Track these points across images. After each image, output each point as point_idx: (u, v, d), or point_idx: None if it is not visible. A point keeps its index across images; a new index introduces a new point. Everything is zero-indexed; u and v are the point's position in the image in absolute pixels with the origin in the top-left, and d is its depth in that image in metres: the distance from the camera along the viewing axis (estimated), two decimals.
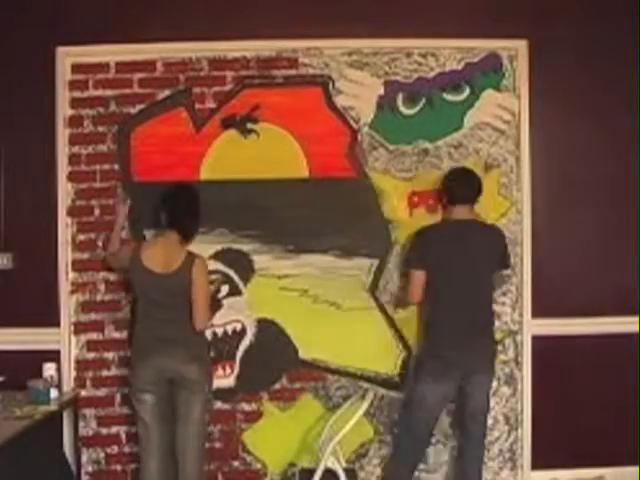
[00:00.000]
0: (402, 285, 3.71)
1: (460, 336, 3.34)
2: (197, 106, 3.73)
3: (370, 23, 3.71)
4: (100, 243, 3.71)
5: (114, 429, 3.73)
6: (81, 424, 3.69)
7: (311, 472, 3.30)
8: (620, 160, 3.83)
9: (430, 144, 3.78)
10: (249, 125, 3.73)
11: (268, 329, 3.74)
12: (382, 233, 3.75)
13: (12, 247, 3.69)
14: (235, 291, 3.73)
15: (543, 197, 3.80)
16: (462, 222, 3.45)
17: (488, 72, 3.80)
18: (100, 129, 3.72)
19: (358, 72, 3.76)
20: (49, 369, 3.48)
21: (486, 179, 3.75)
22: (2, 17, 3.68)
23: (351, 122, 3.76)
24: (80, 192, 3.72)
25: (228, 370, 3.73)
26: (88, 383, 3.72)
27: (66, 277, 3.70)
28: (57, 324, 3.69)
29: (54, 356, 3.62)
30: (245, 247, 3.73)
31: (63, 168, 3.70)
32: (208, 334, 3.59)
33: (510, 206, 3.80)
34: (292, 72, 3.75)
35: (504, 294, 3.79)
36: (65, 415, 3.61)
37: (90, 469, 3.73)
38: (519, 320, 3.80)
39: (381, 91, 3.77)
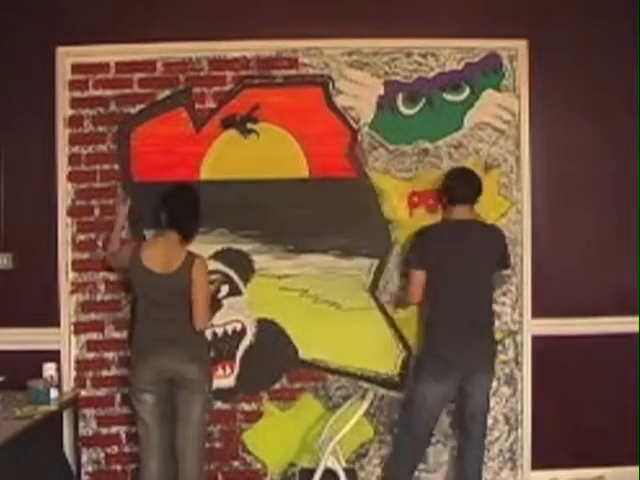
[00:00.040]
0: (402, 285, 3.70)
1: (460, 336, 3.34)
2: (197, 106, 3.73)
3: (370, 23, 3.71)
4: (100, 243, 3.71)
5: (114, 429, 3.73)
6: (81, 424, 3.69)
7: (311, 472, 3.30)
8: (620, 160, 3.83)
9: (430, 144, 3.78)
10: (249, 125, 3.73)
11: (268, 329, 3.74)
12: (382, 233, 3.75)
13: (12, 247, 3.69)
14: (235, 291, 3.73)
15: (543, 197, 3.80)
16: (462, 222, 3.45)
17: (488, 72, 3.80)
18: (100, 129, 3.72)
19: (358, 72, 3.76)
20: (49, 369, 3.48)
21: (486, 179, 3.75)
22: (2, 17, 3.68)
23: (351, 122, 3.76)
24: (80, 192, 3.72)
25: (228, 370, 3.73)
26: (88, 383, 3.72)
27: (66, 277, 3.70)
28: (57, 324, 3.69)
29: (54, 356, 3.62)
30: (245, 247, 3.73)
31: (63, 168, 3.70)
32: (208, 334, 3.59)
33: (510, 206, 3.80)
34: (292, 72, 3.75)
35: (504, 294, 3.80)
36: (65, 415, 3.61)
37: (90, 469, 3.73)
38: (519, 320, 3.80)
39: (381, 91, 3.77)
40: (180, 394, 3.26)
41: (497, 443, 3.82)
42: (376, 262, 3.75)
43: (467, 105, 3.79)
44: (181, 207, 3.33)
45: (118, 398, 3.73)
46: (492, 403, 3.78)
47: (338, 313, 3.76)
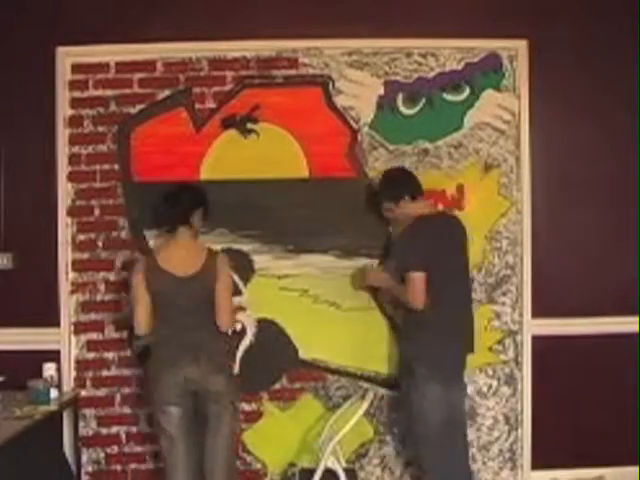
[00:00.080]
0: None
1: (457, 339, 3.29)
2: (197, 106, 3.73)
3: (370, 23, 3.71)
4: (100, 243, 3.71)
5: (114, 429, 3.73)
6: (81, 424, 3.69)
7: (311, 472, 3.30)
8: (620, 160, 3.83)
9: (430, 144, 3.78)
10: (249, 125, 3.73)
11: (268, 329, 3.74)
12: (382, 233, 3.75)
13: (12, 247, 3.69)
14: (235, 291, 3.73)
15: (543, 197, 3.80)
16: (433, 215, 3.36)
17: (488, 72, 3.80)
18: (100, 129, 3.72)
19: (358, 72, 3.76)
20: (49, 369, 3.48)
21: (486, 179, 3.76)
22: (2, 17, 3.68)
23: (351, 122, 3.76)
24: (80, 192, 3.72)
25: None
26: (88, 383, 3.72)
27: (66, 277, 3.70)
28: (57, 324, 3.69)
29: (54, 356, 3.62)
30: (245, 247, 3.73)
31: (63, 168, 3.70)
32: None
33: (510, 206, 3.80)
34: (292, 72, 3.75)
35: (504, 294, 3.80)
36: (65, 415, 3.61)
37: (90, 469, 3.73)
38: (519, 320, 3.80)
39: (381, 91, 3.77)
40: (207, 407, 3.14)
41: (497, 443, 3.82)
42: (376, 262, 3.75)
43: (467, 105, 3.79)
44: (187, 204, 3.26)
45: (118, 398, 3.73)
46: (492, 403, 3.80)
47: (338, 313, 3.76)
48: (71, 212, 3.71)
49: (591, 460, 3.80)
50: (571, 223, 3.82)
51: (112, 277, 3.71)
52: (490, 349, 3.79)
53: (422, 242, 3.22)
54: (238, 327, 3.73)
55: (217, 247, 3.65)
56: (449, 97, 3.79)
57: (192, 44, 3.69)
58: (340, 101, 3.76)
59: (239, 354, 3.74)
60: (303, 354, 3.75)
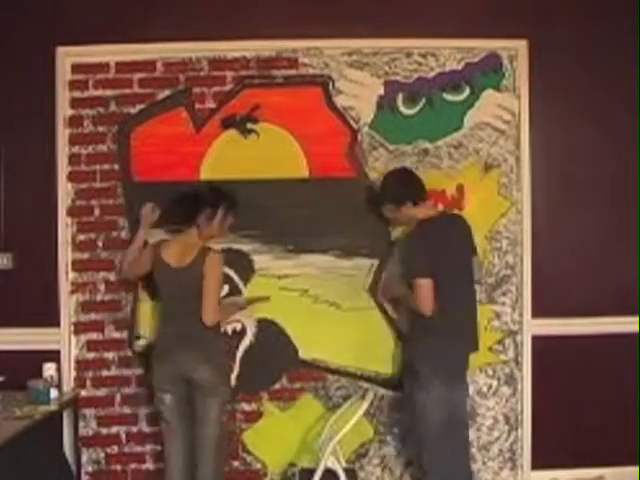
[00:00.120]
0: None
1: (462, 340, 3.29)
2: (197, 106, 3.73)
3: (370, 23, 3.71)
4: (100, 243, 3.71)
5: (114, 429, 3.73)
6: (81, 424, 3.69)
7: (311, 472, 3.30)
8: (620, 160, 3.83)
9: (430, 144, 3.78)
10: (249, 125, 3.73)
11: (268, 329, 3.74)
12: (382, 233, 3.75)
13: (12, 247, 3.69)
14: (235, 291, 3.73)
15: (543, 197, 3.80)
16: (436, 218, 3.34)
17: (488, 72, 3.80)
18: (100, 129, 3.72)
19: (358, 72, 3.76)
20: (49, 369, 3.48)
21: (486, 179, 3.76)
22: (2, 17, 3.68)
23: (351, 122, 3.76)
24: (80, 192, 3.72)
25: None
26: (88, 383, 3.72)
27: (66, 277, 3.70)
28: (57, 324, 3.69)
29: (54, 356, 3.62)
30: (245, 247, 3.73)
31: (63, 168, 3.70)
32: None
33: (510, 206, 3.80)
34: (292, 72, 3.75)
35: (504, 294, 3.80)
36: (65, 415, 3.62)
37: (90, 469, 3.73)
38: (519, 320, 3.80)
39: (381, 91, 3.77)
40: (197, 395, 3.24)
41: (497, 443, 3.82)
42: (376, 262, 3.75)
43: (467, 105, 3.79)
44: (192, 205, 3.33)
45: (118, 398, 3.73)
46: (492, 403, 3.80)
47: (338, 313, 3.76)
48: (71, 212, 3.71)
49: (591, 460, 3.80)
50: (571, 223, 3.82)
51: (112, 277, 3.71)
52: (490, 349, 3.79)
53: (428, 247, 3.20)
54: (238, 327, 3.73)
55: (217, 247, 3.66)
56: (449, 97, 3.79)
57: (192, 44, 3.69)
58: (340, 101, 3.76)
59: (239, 354, 3.74)
60: (303, 354, 3.75)
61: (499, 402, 3.81)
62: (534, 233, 3.78)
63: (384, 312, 3.76)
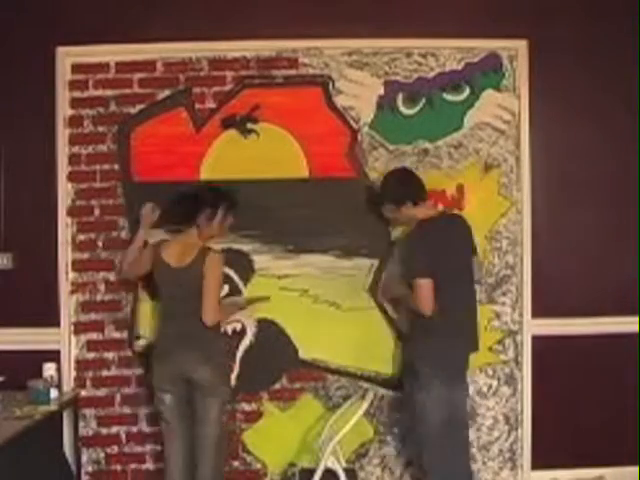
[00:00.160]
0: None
1: (462, 340, 3.28)
2: (197, 106, 3.73)
3: (370, 23, 3.71)
4: (100, 243, 3.71)
5: (114, 429, 3.73)
6: (81, 424, 3.69)
7: (311, 472, 3.30)
8: (620, 160, 3.83)
9: (430, 144, 3.78)
10: (249, 125, 3.73)
11: (268, 329, 3.74)
12: (382, 233, 3.75)
13: (12, 247, 3.69)
14: (235, 291, 3.73)
15: (543, 197, 3.80)
16: (436, 218, 3.34)
17: (488, 72, 3.80)
18: (100, 129, 3.72)
19: (358, 72, 3.76)
20: (49, 369, 3.48)
21: (486, 179, 3.76)
22: (2, 17, 3.68)
23: (351, 122, 3.76)
24: (80, 192, 3.72)
25: None
26: (88, 383, 3.72)
27: (66, 277, 3.70)
28: (57, 324, 3.69)
29: (54, 356, 3.62)
30: (245, 247, 3.73)
31: (63, 168, 3.70)
32: None
33: (510, 206, 3.81)
34: (292, 72, 3.75)
35: (504, 294, 3.80)
36: (65, 415, 3.62)
37: (90, 469, 3.73)
38: (519, 320, 3.80)
39: (381, 91, 3.77)
40: (197, 395, 3.24)
41: (497, 443, 3.82)
42: (376, 262, 3.75)
43: (467, 105, 3.79)
44: (192, 205, 3.33)
45: (118, 398, 3.73)
46: (492, 403, 3.80)
47: (338, 313, 3.76)
48: (71, 212, 3.71)
49: (591, 460, 3.80)
50: (571, 223, 3.82)
51: (112, 277, 3.71)
52: (490, 349, 3.79)
53: (427, 247, 3.20)
54: (238, 327, 3.73)
55: (217, 247, 3.66)
56: (449, 97, 3.79)
57: (192, 44, 3.69)
58: (340, 101, 3.76)
59: (239, 354, 3.74)
60: (303, 354, 3.75)
61: (499, 402, 3.81)
62: (534, 233, 3.78)
63: (384, 312, 3.76)
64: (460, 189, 3.78)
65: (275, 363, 3.76)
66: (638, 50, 3.79)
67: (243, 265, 3.72)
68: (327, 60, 3.75)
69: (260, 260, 3.73)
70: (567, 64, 3.79)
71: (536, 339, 3.78)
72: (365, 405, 3.30)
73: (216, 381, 3.25)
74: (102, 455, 3.74)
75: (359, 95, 3.76)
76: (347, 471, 3.35)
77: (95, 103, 3.72)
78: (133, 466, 3.71)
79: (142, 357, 3.68)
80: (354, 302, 3.75)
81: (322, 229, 3.73)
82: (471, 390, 3.73)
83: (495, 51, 3.79)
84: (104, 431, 3.73)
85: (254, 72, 3.74)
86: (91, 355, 3.73)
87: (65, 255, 3.70)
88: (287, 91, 3.75)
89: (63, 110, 3.69)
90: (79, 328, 3.72)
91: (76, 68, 3.71)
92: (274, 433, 3.75)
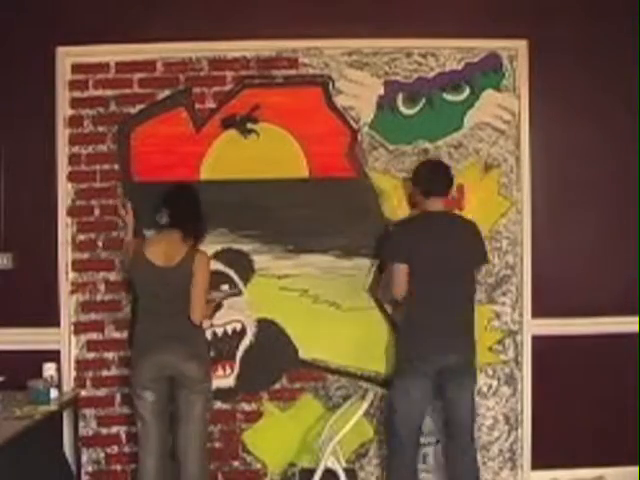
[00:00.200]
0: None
1: (439, 336, 3.28)
2: (197, 106, 3.73)
3: (370, 23, 3.71)
4: (100, 243, 3.71)
5: (114, 429, 3.73)
6: (81, 424, 3.69)
7: (311, 472, 3.30)
8: (620, 160, 3.83)
9: (430, 144, 3.78)
10: (249, 125, 3.73)
11: (268, 329, 3.74)
12: (382, 233, 3.75)
13: (12, 247, 3.69)
14: (235, 291, 3.73)
15: (543, 197, 3.80)
16: (439, 214, 3.40)
17: (488, 72, 3.80)
18: (100, 129, 3.72)
19: (358, 72, 3.76)
20: (49, 369, 3.48)
21: (486, 179, 3.76)
22: (2, 17, 3.68)
23: (351, 122, 3.76)
24: (80, 192, 3.72)
25: (228, 370, 3.73)
26: (88, 383, 3.72)
27: (66, 277, 3.70)
28: (57, 324, 3.69)
29: (54, 356, 3.62)
30: (245, 247, 3.73)
31: (63, 168, 3.70)
32: (208, 334, 3.60)
33: (510, 206, 3.81)
34: (292, 72, 3.75)
35: (504, 294, 3.80)
36: (65, 415, 3.62)
37: (90, 469, 3.73)
38: (519, 320, 3.80)
39: (381, 91, 3.77)
40: (181, 393, 3.27)
41: (497, 443, 3.82)
42: (376, 262, 3.75)
43: (467, 105, 3.79)
44: (182, 208, 3.35)
45: (118, 398, 3.73)
46: (492, 403, 3.80)
47: (338, 313, 3.76)
48: (71, 212, 3.71)
49: (591, 460, 3.80)
50: (571, 223, 3.82)
51: (112, 277, 3.71)
52: (490, 349, 3.79)
53: (407, 236, 3.34)
54: (238, 327, 3.73)
55: (217, 247, 3.68)
56: (449, 97, 3.79)
57: (192, 44, 3.69)
58: (340, 101, 3.76)
59: (239, 354, 3.74)
60: (303, 354, 3.75)
61: (499, 402, 3.81)
62: (534, 233, 3.79)
63: (384, 312, 3.76)
64: (460, 189, 3.78)
65: (275, 363, 3.76)
66: (638, 50, 3.79)
67: (243, 265, 3.72)
68: (327, 60, 3.75)
69: (260, 260, 3.73)
70: (567, 64, 3.79)
71: (536, 339, 3.78)
72: (365, 405, 3.31)
73: (201, 376, 3.27)
74: (102, 455, 3.74)
75: (359, 95, 3.76)
76: (347, 471, 3.35)
77: (95, 103, 3.72)
78: (133, 466, 3.71)
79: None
80: (354, 302, 3.75)
81: (322, 229, 3.73)
82: None
83: (495, 51, 3.79)
84: (104, 431, 3.73)
85: (254, 72, 3.74)
86: (91, 355, 3.73)
87: (65, 255, 3.70)
88: (287, 91, 3.75)
89: (63, 110, 3.69)
90: (79, 328, 3.72)
91: (76, 68, 3.71)
92: (274, 433, 3.75)
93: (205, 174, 3.72)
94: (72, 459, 3.61)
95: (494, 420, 3.81)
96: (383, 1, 3.76)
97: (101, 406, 3.73)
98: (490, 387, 3.80)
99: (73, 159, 3.72)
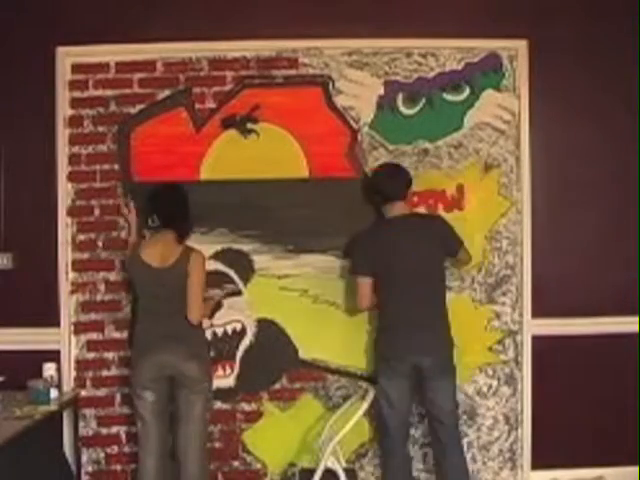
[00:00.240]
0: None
1: (412, 337, 3.29)
2: (197, 106, 3.73)
3: (370, 23, 3.71)
4: (100, 243, 3.71)
5: (114, 429, 3.73)
6: (81, 424, 3.69)
7: (311, 472, 3.30)
8: (620, 160, 3.83)
9: (430, 144, 3.78)
10: (249, 125, 3.73)
11: (268, 329, 3.74)
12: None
13: (12, 247, 3.69)
14: (235, 291, 3.73)
15: (543, 197, 3.80)
16: (399, 218, 3.41)
17: (488, 72, 3.80)
18: (100, 129, 3.72)
19: (358, 72, 3.76)
20: (49, 369, 3.48)
21: (486, 179, 3.76)
22: (2, 17, 3.69)
23: (351, 122, 3.76)
24: (80, 192, 3.72)
25: (228, 370, 3.73)
26: (88, 383, 3.72)
27: (66, 277, 3.70)
28: (57, 324, 3.69)
29: (54, 356, 3.62)
30: (245, 247, 3.73)
31: (63, 168, 3.70)
32: (208, 334, 3.60)
33: (510, 206, 3.80)
34: (292, 72, 3.75)
35: (504, 294, 3.80)
36: (65, 415, 3.62)
37: (90, 469, 3.73)
38: (519, 320, 3.80)
39: (381, 91, 3.77)
40: (181, 393, 3.28)
41: (497, 443, 3.82)
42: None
43: (467, 105, 3.79)
44: (172, 208, 3.35)
45: (118, 398, 3.73)
46: (492, 403, 3.80)
47: (338, 313, 3.76)
48: (71, 212, 3.71)
49: (591, 460, 3.80)
50: (571, 223, 3.82)
51: (112, 277, 3.71)
52: (490, 349, 3.79)
53: (370, 248, 3.38)
54: (238, 327, 3.73)
55: (217, 247, 3.68)
56: (449, 97, 3.79)
57: (192, 44, 3.69)
58: (340, 101, 3.76)
59: (239, 354, 3.74)
60: (303, 354, 3.75)
61: (499, 402, 3.81)
62: (534, 233, 3.78)
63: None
64: (460, 189, 3.78)
65: (275, 363, 3.76)
66: (638, 50, 3.79)
67: (243, 265, 3.72)
68: (327, 60, 3.75)
69: (260, 260, 3.73)
70: (567, 64, 3.79)
71: (536, 339, 3.78)
72: (365, 405, 3.31)
73: (201, 376, 3.27)
74: (102, 455, 3.74)
75: (359, 95, 3.76)
76: (347, 471, 3.35)
77: (95, 103, 3.72)
78: (133, 466, 3.70)
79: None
80: (354, 302, 3.73)
81: (322, 229, 3.73)
82: (471, 390, 3.75)
83: (495, 51, 3.79)
84: (104, 431, 3.73)
85: (254, 72, 3.74)
86: (91, 355, 3.73)
87: (65, 255, 3.70)
88: (287, 91, 3.75)
89: (63, 110, 3.70)
90: (79, 328, 3.72)
91: (76, 68, 3.71)
92: (274, 433, 3.75)
93: (205, 174, 3.72)
94: (72, 459, 3.61)
95: (494, 420, 3.81)
96: (383, 1, 3.76)
97: (101, 406, 3.73)
98: (490, 387, 3.80)
99: (73, 159, 3.72)
